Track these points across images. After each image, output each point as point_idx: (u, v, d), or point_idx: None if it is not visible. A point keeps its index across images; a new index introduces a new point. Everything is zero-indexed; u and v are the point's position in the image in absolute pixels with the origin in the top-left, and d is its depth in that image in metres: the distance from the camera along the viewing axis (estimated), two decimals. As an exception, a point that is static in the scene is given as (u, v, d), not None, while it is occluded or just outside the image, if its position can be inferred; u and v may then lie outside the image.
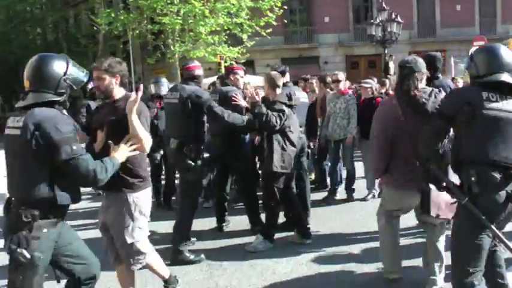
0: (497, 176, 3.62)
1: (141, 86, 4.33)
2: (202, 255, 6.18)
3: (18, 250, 3.41)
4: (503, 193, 3.63)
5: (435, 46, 34.41)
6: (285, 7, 25.71)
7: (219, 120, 6.14)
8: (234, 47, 25.18)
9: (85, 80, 3.99)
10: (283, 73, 7.06)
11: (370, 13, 33.93)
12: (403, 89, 4.75)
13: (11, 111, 37.36)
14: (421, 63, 4.78)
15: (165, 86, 8.86)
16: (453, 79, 16.32)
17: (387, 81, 11.94)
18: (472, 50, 5.06)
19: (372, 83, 9.15)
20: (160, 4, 22.71)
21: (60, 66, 3.70)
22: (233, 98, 6.66)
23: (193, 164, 5.99)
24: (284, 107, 6.25)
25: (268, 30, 24.23)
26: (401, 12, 25.95)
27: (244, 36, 24.77)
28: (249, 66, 30.04)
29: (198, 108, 6.01)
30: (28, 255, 3.41)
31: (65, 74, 3.70)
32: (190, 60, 6.28)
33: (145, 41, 27.91)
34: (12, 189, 3.65)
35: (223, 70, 20.17)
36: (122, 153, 3.98)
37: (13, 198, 3.63)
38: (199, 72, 6.36)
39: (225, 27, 24.50)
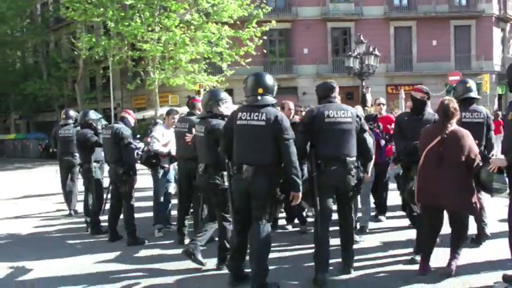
0: None
1: None
2: None
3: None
4: None
5: (411, 79, 35.06)
6: (265, 37, 25.91)
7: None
8: (213, 75, 25.34)
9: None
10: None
11: (348, 45, 34.51)
12: None
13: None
14: None
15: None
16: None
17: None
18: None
19: None
20: (141, 31, 22.84)
21: (272, 79, 5.81)
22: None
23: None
24: None
25: (248, 60, 24.40)
26: (379, 45, 26.35)
27: (224, 65, 24.87)
28: (228, 94, 29.95)
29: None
30: None
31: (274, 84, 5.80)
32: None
33: (126, 67, 28.05)
34: (250, 156, 5.54)
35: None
36: None
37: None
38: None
39: (205, 56, 24.66)
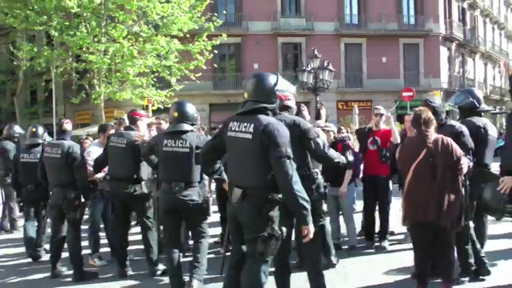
0: None
1: None
2: None
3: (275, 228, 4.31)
4: None
5: (362, 96, 35.23)
6: (215, 51, 25.25)
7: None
8: (162, 90, 24.46)
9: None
10: None
11: (299, 60, 34.28)
12: None
13: None
14: None
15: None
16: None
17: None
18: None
19: (333, 128, 8.27)
20: (87, 41, 21.70)
21: (274, 79, 4.55)
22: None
23: None
24: None
25: (198, 74, 23.71)
26: (330, 61, 26.16)
27: (173, 80, 24.02)
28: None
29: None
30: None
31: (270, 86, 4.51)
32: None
33: (69, 79, 26.75)
34: (238, 176, 4.44)
35: (151, 113, 19.33)
36: None
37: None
38: None
39: (154, 69, 23.73)
